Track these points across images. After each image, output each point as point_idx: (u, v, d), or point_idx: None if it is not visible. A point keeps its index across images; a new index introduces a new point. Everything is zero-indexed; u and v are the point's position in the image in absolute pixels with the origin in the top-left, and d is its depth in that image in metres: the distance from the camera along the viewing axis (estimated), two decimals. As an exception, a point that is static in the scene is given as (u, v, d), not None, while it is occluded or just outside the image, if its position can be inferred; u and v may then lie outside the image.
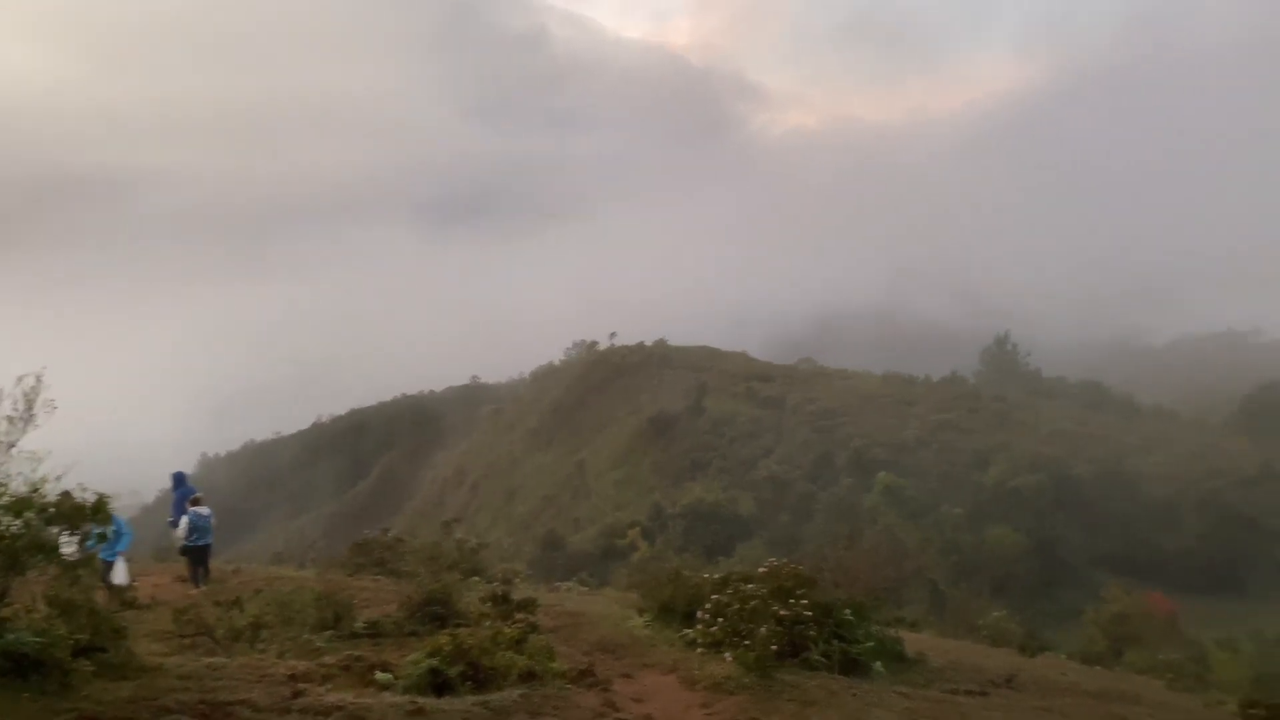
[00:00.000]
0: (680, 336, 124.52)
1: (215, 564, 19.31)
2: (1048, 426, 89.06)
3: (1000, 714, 11.72)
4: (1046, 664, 19.96)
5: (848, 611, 14.07)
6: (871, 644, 13.75)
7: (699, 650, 13.03)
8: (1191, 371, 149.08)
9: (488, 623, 12.76)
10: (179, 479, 19.82)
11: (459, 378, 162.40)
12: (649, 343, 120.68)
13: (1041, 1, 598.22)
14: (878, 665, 13.36)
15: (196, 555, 18.06)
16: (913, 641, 16.01)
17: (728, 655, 12.27)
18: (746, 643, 12.16)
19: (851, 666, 13.01)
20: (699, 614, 13.85)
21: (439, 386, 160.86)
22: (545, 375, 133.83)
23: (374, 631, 12.96)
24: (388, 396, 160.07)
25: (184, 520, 18.04)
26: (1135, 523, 71.30)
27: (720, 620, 13.24)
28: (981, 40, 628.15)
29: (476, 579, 20.50)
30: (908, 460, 79.60)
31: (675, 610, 15.28)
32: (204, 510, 18.26)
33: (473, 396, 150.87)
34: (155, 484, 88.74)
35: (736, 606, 13.22)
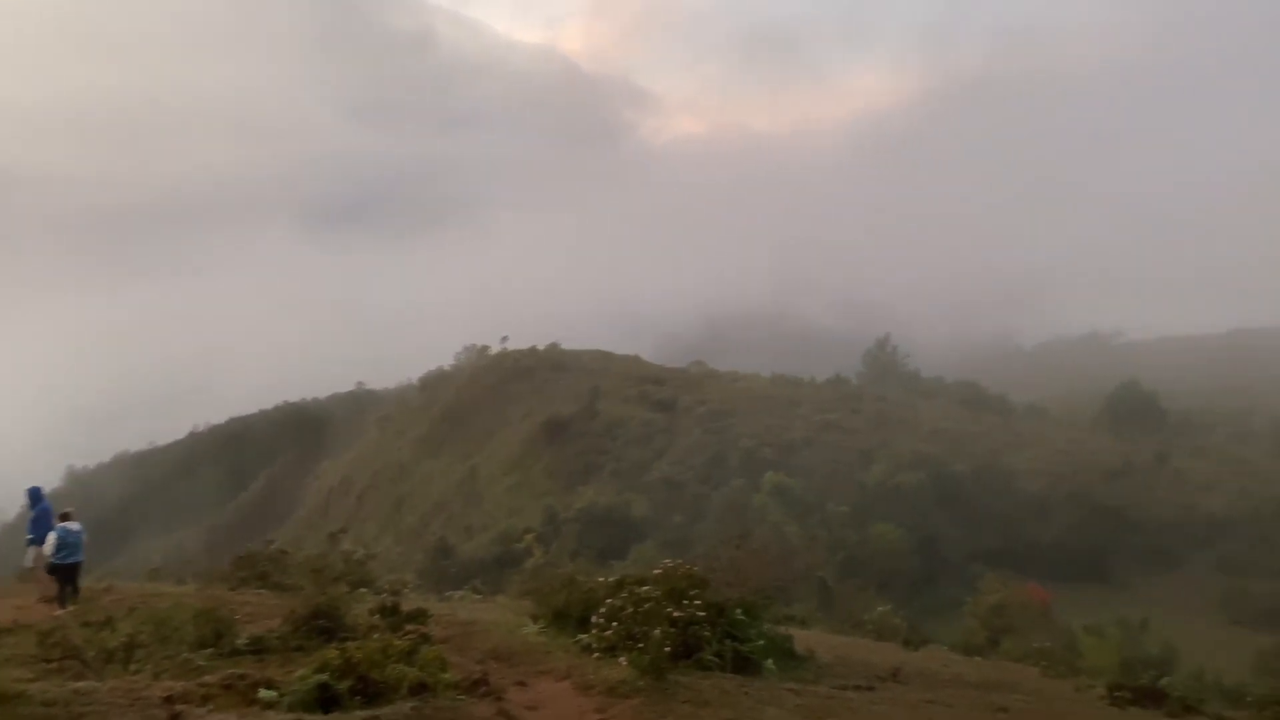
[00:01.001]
0: (573, 340, 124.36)
1: (86, 582, 18.33)
2: (927, 425, 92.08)
3: (887, 707, 12.04)
4: (930, 657, 20.62)
5: (739, 611, 14.26)
6: (763, 642, 13.96)
7: (594, 655, 13.00)
8: (1059, 371, 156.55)
9: (377, 635, 12.46)
10: (35, 495, 18.84)
11: (345, 384, 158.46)
12: (541, 347, 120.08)
13: (919, 18, 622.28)
14: (769, 663, 13.57)
15: (65, 574, 17.12)
16: (802, 639, 16.32)
17: (622, 659, 12.27)
18: (641, 646, 12.18)
19: (744, 665, 13.18)
20: (594, 618, 13.82)
21: (324, 393, 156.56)
22: (435, 381, 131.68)
23: (258, 648, 12.51)
24: (269, 404, 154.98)
25: (52, 536, 17.11)
26: (1011, 517, 74.41)
27: (615, 624, 13.23)
28: (865, 54, 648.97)
29: (365, 591, 20.02)
30: (795, 460, 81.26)
31: (570, 616, 15.21)
32: (74, 526, 17.34)
33: (359, 403, 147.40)
34: (18, 500, 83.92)
35: (631, 610, 13.24)
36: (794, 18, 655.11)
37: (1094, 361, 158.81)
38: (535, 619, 16.09)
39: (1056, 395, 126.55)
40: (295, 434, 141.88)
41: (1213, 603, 64.24)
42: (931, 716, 11.78)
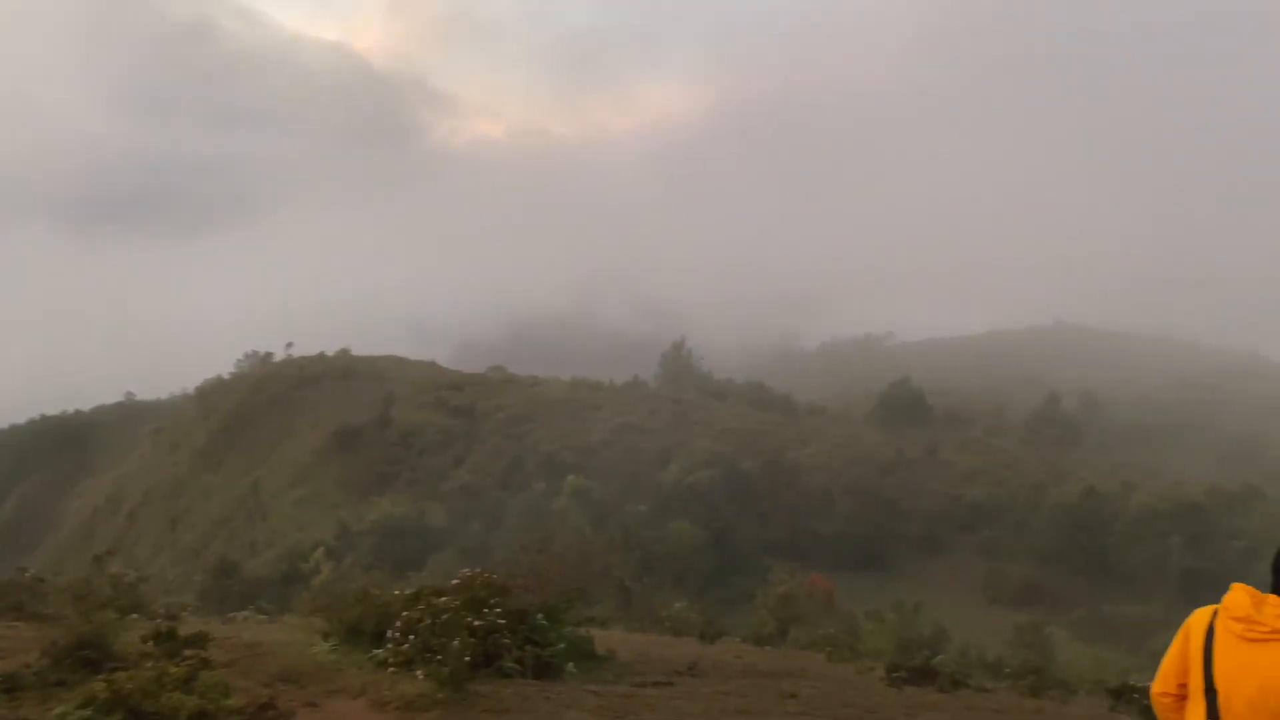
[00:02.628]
0: (364, 346, 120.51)
1: None
2: (720, 425, 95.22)
3: (684, 701, 12.33)
4: (724, 649, 21.28)
5: (540, 616, 14.22)
6: (564, 645, 13.98)
7: (390, 670, 12.61)
8: (838, 371, 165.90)
9: (150, 663, 11.58)
10: None
11: (111, 395, 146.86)
12: (330, 353, 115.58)
13: (712, 34, 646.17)
14: (570, 666, 13.61)
15: None
16: (603, 639, 16.46)
17: (419, 672, 11.97)
18: (439, 658, 11.92)
19: (545, 669, 13.16)
20: (389, 633, 13.40)
21: (87, 405, 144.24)
22: (213, 390, 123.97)
23: (10, 685, 11.34)
24: (22, 418, 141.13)
25: None
26: (797, 509, 78.12)
27: (411, 637, 12.88)
28: (660, 67, 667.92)
29: (136, 617, 18.57)
30: (595, 462, 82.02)
31: (364, 631, 14.67)
32: None
33: (128, 415, 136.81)
34: None
35: (428, 621, 12.93)
36: (592, 30, 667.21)
37: (867, 361, 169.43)
38: (326, 637, 15.43)
39: (836, 394, 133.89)
40: (52, 450, 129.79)
41: (976, 584, 69.85)
42: (726, 707, 12.16)
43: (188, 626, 14.93)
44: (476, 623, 12.72)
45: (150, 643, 12.99)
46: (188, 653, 12.33)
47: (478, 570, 15.30)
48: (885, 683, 15.87)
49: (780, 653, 22.97)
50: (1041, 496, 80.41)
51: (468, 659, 11.88)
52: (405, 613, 13.46)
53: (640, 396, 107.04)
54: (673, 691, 13.04)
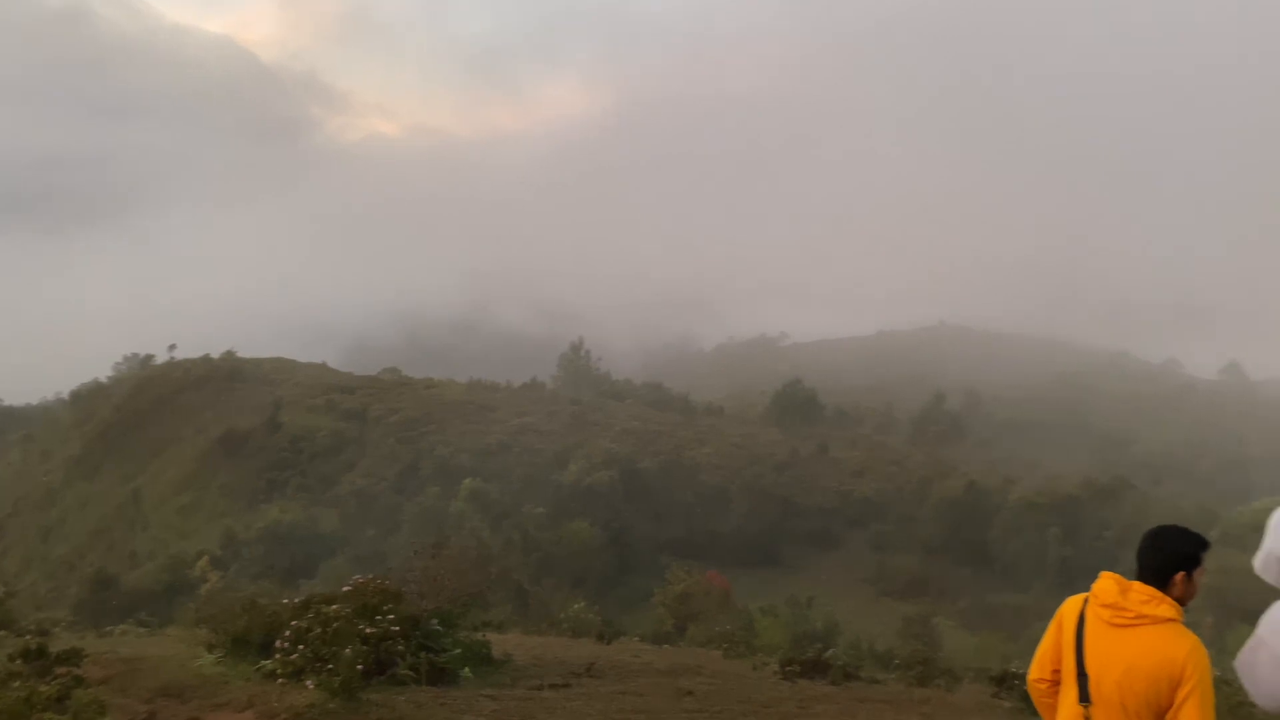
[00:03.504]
0: (251, 348, 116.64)
1: None
2: (618, 425, 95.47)
3: (582, 703, 12.32)
4: (622, 649, 21.35)
5: (435, 621, 14.03)
6: (459, 651, 13.83)
7: (279, 681, 12.26)
8: (733, 372, 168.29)
9: (18, 683, 10.98)
10: None
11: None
12: (215, 355, 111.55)
13: (612, 39, 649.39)
14: (466, 671, 13.46)
15: None
16: (500, 643, 16.34)
17: (310, 682, 11.68)
18: (330, 667, 11.65)
19: (440, 676, 12.98)
20: (277, 643, 13.03)
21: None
22: (89, 395, 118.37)
23: None
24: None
25: None
26: (695, 508, 78.88)
27: (301, 647, 12.55)
28: (557, 69, 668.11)
29: (3, 634, 17.60)
30: (492, 465, 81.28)
31: (251, 642, 14.23)
32: None
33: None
34: None
35: (319, 630, 12.62)
36: (491, 33, 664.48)
37: (762, 361, 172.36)
38: (211, 649, 14.90)
39: (732, 394, 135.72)
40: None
41: (866, 577, 71.70)
42: (623, 707, 12.20)
43: (60, 643, 14.23)
44: (369, 630, 12.49)
45: (19, 661, 12.33)
46: (59, 670, 11.75)
47: (370, 577, 15.02)
48: (779, 677, 16.17)
49: (678, 650, 23.17)
50: (928, 491, 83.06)
51: (360, 667, 11.64)
52: (294, 622, 13.12)
53: (538, 398, 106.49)
54: (570, 693, 13.03)
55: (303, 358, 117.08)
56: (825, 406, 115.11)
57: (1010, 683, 14.37)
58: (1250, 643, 3.58)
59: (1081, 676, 3.62)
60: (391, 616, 12.95)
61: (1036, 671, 3.85)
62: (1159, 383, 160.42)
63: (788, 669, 16.53)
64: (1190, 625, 3.57)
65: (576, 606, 31.24)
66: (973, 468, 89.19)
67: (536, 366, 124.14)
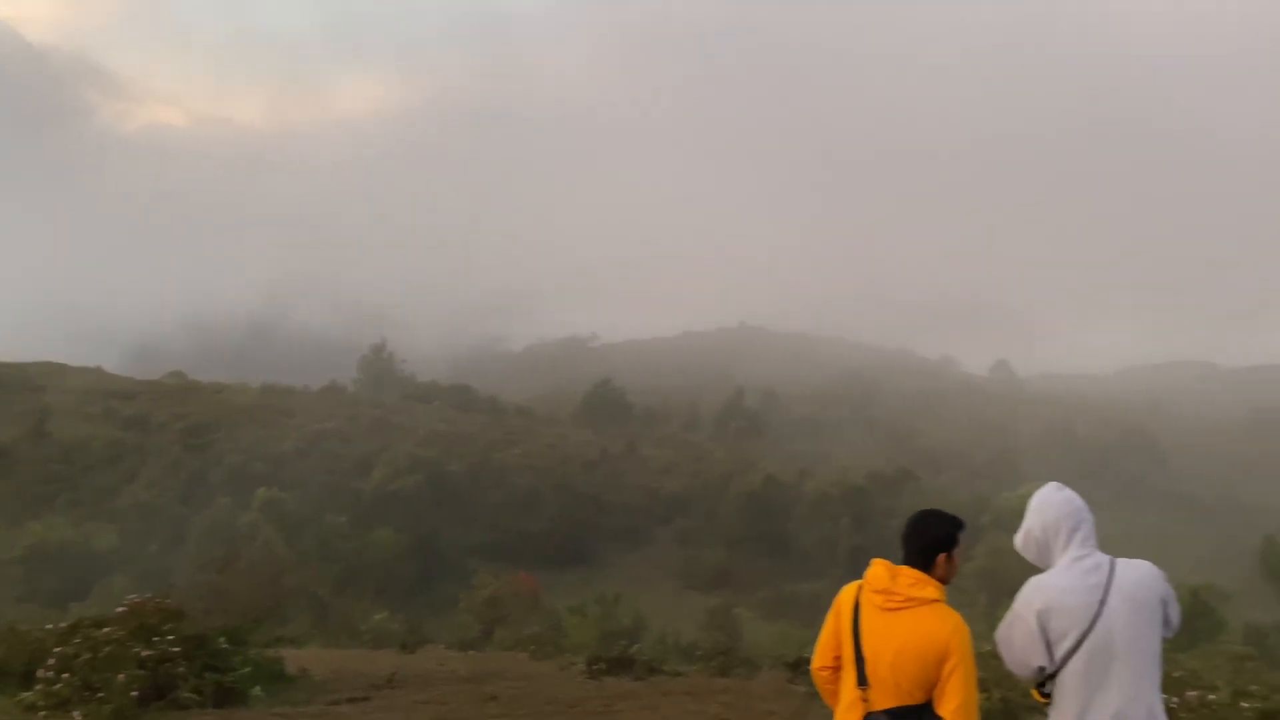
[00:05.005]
0: (16, 352, 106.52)
1: None
2: (424, 429, 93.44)
3: (381, 715, 11.94)
4: (426, 657, 20.87)
5: (222, 639, 13.22)
6: (249, 669, 13.09)
7: (41, 714, 11.21)
8: (544, 372, 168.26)
9: None
10: None
11: None
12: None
13: (413, 37, 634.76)
14: (256, 690, 12.75)
15: None
16: (296, 658, 15.60)
17: (77, 713, 10.75)
18: (101, 695, 10.76)
19: (228, 696, 12.24)
20: (40, 672, 11.91)
21: None
22: None
23: None
24: None
25: None
26: (504, 511, 78.22)
27: (66, 675, 11.53)
28: (364, 67, 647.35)
29: None
30: (289, 473, 77.71)
31: (10, 672, 12.95)
32: None
33: None
34: None
35: (87, 655, 11.63)
36: (292, 25, 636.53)
37: (573, 362, 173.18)
38: (-39, 683, 13.46)
39: (542, 394, 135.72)
40: None
41: (673, 572, 73.32)
42: (424, 716, 11.91)
43: None
44: (146, 653, 11.62)
45: None
46: None
47: (149, 595, 14.00)
48: (586, 676, 16.22)
49: (484, 655, 22.87)
50: (729, 486, 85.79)
51: (135, 693, 10.83)
52: (59, 648, 12.04)
53: (338, 402, 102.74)
54: (369, 706, 12.59)
55: (75, 362, 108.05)
56: (634, 406, 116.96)
57: (805, 668, 14.95)
58: (1008, 616, 3.84)
59: (859, 661, 3.77)
60: (172, 637, 12.10)
61: (819, 660, 3.99)
62: (938, 379, 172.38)
63: (594, 667, 16.61)
64: (965, 604, 3.80)
65: (379, 616, 30.40)
66: (771, 462, 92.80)
67: (335, 369, 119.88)
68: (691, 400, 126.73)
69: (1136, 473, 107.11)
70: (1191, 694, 8.70)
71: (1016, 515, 4.02)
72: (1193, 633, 30.19)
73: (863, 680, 3.75)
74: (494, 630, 32.93)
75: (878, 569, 3.88)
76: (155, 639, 12.01)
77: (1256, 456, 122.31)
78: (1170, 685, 9.05)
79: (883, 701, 3.71)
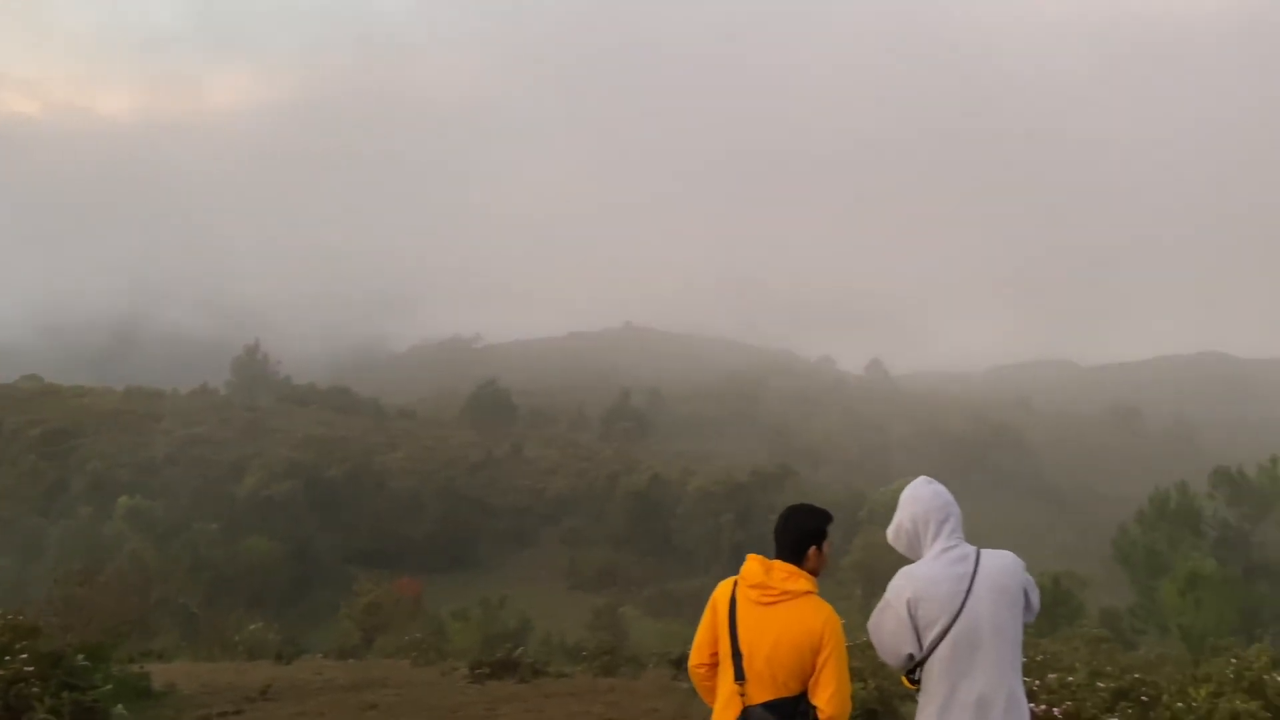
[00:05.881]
0: None
1: None
2: (301, 432, 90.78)
3: (255, 728, 11.53)
4: (303, 667, 20.24)
5: (81, 656, 12.53)
6: (111, 686, 12.45)
7: (-125, 745, 10.41)
8: (427, 373, 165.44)
9: None
10: None
11: None
12: None
13: (293, 31, 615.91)
14: (119, 708, 12.13)
15: None
16: (163, 673, 14.94)
17: (-83, 742, 10.03)
18: (-58, 722, 10.07)
19: (88, 716, 11.61)
20: None
21: None
22: None
23: None
24: None
25: None
26: (385, 516, 76.57)
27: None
28: (236, 62, 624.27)
29: None
30: (156, 479, 74.38)
31: None
32: None
33: None
34: None
35: (-72, 680, 10.85)
36: (153, 21, 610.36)
37: (457, 363, 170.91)
38: None
39: (425, 396, 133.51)
40: None
41: (559, 572, 73.11)
42: (302, 729, 11.56)
43: None
44: (-4, 673, 10.91)
45: None
46: None
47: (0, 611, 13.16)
48: (469, 680, 16.01)
49: (365, 664, 22.33)
50: (616, 485, 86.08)
51: (-19, 718, 10.17)
52: (-108, 675, 11.19)
53: (209, 405, 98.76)
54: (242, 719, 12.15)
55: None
56: (520, 407, 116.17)
57: (687, 664, 15.10)
58: (879, 606, 3.95)
59: (736, 656, 3.81)
60: (25, 655, 11.40)
61: (696, 657, 4.02)
62: (816, 378, 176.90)
63: (477, 671, 16.41)
64: (842, 596, 3.90)
65: (253, 627, 29.32)
66: (656, 462, 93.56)
67: (206, 372, 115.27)
68: (578, 401, 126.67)
69: (1003, 466, 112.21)
70: (1052, 676, 9.13)
71: (890, 509, 4.14)
72: (1054, 618, 31.71)
73: (740, 675, 3.79)
74: (375, 638, 32.17)
75: (752, 564, 3.94)
76: (7, 658, 11.31)
77: (1113, 450, 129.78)
78: (1033, 668, 9.50)
79: (760, 695, 3.76)
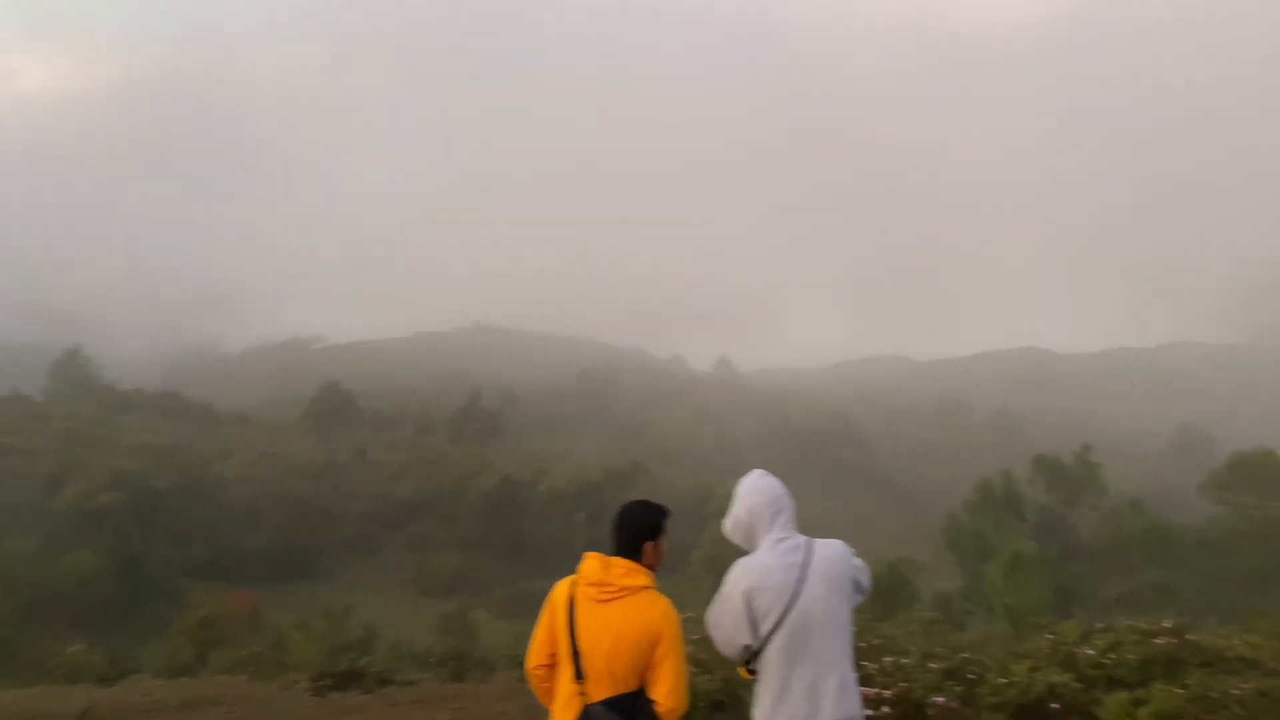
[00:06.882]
0: None
1: None
2: (127, 441, 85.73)
3: (70, 758, 10.75)
4: (130, 688, 19.02)
5: None
6: (-98, 723, 11.40)
7: None
8: (265, 376, 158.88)
9: None
10: None
11: None
12: None
13: (106, 19, 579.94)
14: (-88, 746, 11.13)
15: None
16: (-37, 705, 13.74)
17: None
18: None
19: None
20: None
21: None
22: None
23: None
24: None
25: None
26: (220, 526, 73.10)
27: None
28: (49, 52, 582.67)
29: None
30: (-39, 495, 68.61)
31: None
32: None
33: None
34: None
35: None
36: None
37: (297, 365, 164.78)
38: None
39: (263, 400, 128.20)
40: None
41: (407, 578, 71.52)
42: (123, 755, 10.84)
43: None
44: None
45: None
46: None
47: None
48: (310, 693, 15.40)
49: (198, 681, 21.16)
50: (466, 488, 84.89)
51: None
52: None
53: (22, 414, 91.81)
54: (56, 750, 11.31)
55: None
56: (364, 410, 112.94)
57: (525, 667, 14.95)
58: (717, 598, 4.00)
59: (576, 655, 3.77)
60: None
61: (535, 658, 3.97)
62: (667, 376, 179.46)
63: (319, 684, 15.80)
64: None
65: (74, 648, 27.49)
66: (507, 463, 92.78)
67: (18, 377, 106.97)
68: (426, 403, 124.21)
69: (843, 458, 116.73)
70: (888, 659, 9.48)
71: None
72: (891, 603, 33.16)
73: (579, 675, 3.76)
74: (210, 654, 30.66)
75: (591, 562, 3.93)
76: None
77: (943, 440, 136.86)
78: (870, 652, 9.86)
79: (599, 693, 3.74)
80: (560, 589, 3.96)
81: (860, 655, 9.14)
